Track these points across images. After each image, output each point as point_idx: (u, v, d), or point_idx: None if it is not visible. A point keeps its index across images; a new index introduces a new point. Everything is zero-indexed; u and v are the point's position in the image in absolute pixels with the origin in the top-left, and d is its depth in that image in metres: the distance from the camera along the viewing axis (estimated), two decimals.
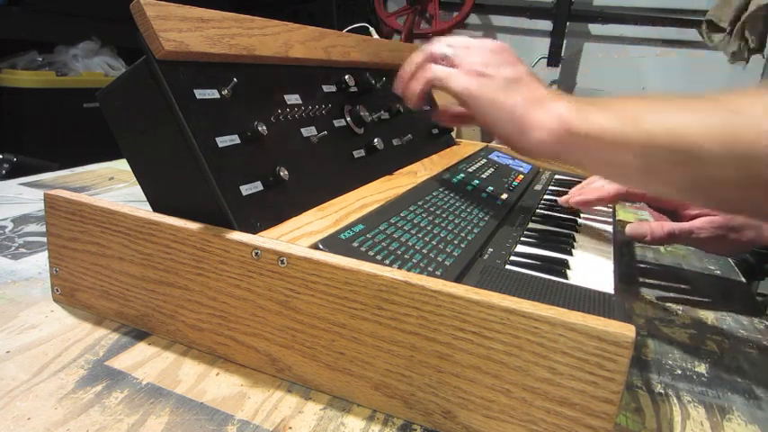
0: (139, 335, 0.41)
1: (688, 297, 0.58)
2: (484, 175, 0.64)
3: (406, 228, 0.41)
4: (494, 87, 0.44)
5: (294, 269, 0.34)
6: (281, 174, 0.40)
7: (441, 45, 0.49)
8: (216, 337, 0.38)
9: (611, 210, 0.63)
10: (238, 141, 0.39)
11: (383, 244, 0.37)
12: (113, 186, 0.78)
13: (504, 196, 0.59)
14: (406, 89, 0.50)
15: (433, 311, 0.31)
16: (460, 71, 0.46)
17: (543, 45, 2.70)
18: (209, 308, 0.37)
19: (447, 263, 0.38)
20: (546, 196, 0.65)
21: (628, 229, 0.56)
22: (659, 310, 0.54)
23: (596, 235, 0.54)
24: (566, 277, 0.40)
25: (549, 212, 0.58)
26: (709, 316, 0.53)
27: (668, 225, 0.54)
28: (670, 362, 0.44)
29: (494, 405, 0.31)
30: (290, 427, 0.33)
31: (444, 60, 0.47)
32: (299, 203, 0.42)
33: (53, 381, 0.35)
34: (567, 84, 2.79)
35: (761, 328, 0.52)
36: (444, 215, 0.47)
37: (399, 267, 0.35)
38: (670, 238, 0.54)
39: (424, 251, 0.39)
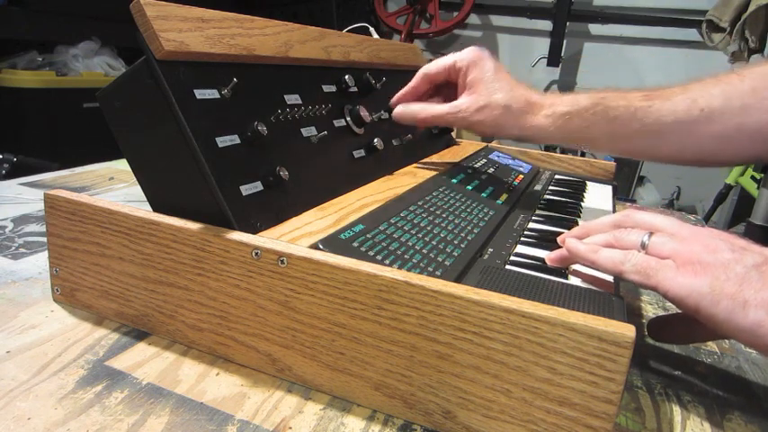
0: (139, 335, 0.41)
1: None
2: (484, 175, 0.64)
3: (406, 228, 0.41)
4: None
5: (294, 269, 0.34)
6: (281, 174, 0.40)
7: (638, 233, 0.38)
8: (216, 337, 0.38)
9: (611, 211, 0.63)
10: (238, 141, 0.39)
11: (383, 244, 0.37)
12: (113, 186, 0.78)
13: (505, 196, 0.59)
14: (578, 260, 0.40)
15: (433, 311, 0.31)
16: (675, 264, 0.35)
17: (543, 45, 2.71)
18: (209, 308, 0.37)
19: (447, 263, 0.38)
20: (546, 196, 0.65)
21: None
22: (659, 309, 0.54)
23: None
24: (566, 277, 0.40)
25: (549, 212, 0.58)
26: None
27: None
28: (670, 362, 0.44)
29: (494, 405, 0.31)
30: (290, 427, 0.33)
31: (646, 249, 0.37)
32: (299, 203, 0.42)
33: (53, 381, 0.35)
34: (566, 84, 2.79)
35: None
36: (444, 215, 0.47)
37: (399, 267, 0.35)
38: None
39: (424, 251, 0.39)
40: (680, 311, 0.36)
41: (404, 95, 0.61)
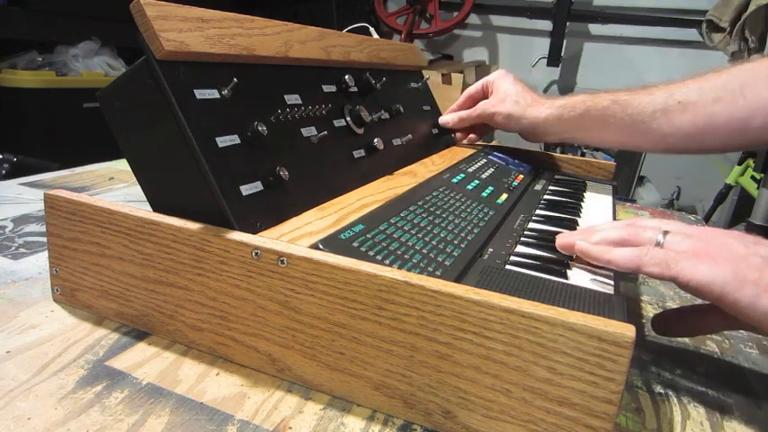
0: (139, 335, 0.41)
1: (687, 296, 0.58)
2: (484, 175, 0.64)
3: (406, 228, 0.41)
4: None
5: (294, 269, 0.34)
6: (281, 174, 0.40)
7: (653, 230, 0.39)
8: (216, 337, 0.38)
9: (610, 211, 0.63)
10: (238, 141, 0.39)
11: (383, 244, 0.37)
12: (113, 186, 0.78)
13: (504, 196, 0.59)
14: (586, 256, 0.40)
15: (433, 311, 0.31)
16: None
17: (543, 45, 2.71)
18: (209, 308, 0.37)
19: (447, 263, 0.38)
20: (546, 196, 0.65)
21: None
22: (659, 309, 0.54)
23: None
24: (566, 277, 0.40)
25: (549, 212, 0.58)
26: None
27: None
28: (670, 362, 0.44)
29: (494, 405, 0.31)
30: (290, 427, 0.33)
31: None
32: (299, 203, 0.42)
33: (53, 381, 0.35)
34: (567, 84, 2.79)
35: None
36: (444, 215, 0.47)
37: (399, 267, 0.35)
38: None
39: (424, 251, 0.39)
40: (681, 306, 0.36)
41: (451, 110, 0.81)
